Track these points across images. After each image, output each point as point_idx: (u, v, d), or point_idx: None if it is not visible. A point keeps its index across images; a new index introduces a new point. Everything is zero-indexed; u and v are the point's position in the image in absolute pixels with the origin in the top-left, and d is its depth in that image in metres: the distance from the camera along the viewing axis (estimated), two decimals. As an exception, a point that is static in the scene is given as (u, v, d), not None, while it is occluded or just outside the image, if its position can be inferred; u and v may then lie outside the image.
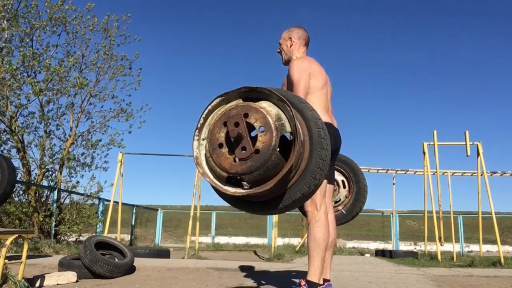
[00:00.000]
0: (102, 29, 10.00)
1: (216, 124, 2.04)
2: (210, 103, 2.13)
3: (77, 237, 9.21)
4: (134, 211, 13.16)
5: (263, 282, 3.61)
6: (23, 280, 3.00)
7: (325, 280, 2.63)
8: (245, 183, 2.02)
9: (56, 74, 8.95)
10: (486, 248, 14.34)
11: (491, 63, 54.23)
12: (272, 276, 4.16)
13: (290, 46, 2.92)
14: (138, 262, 4.51)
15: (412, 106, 53.00)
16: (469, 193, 40.74)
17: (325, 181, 2.54)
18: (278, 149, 1.92)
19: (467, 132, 7.83)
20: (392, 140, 52.48)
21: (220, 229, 18.12)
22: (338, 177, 3.53)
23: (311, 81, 2.67)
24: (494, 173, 10.80)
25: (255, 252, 10.55)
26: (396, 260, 8.35)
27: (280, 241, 13.02)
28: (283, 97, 1.98)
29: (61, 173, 9.44)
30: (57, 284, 3.42)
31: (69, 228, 9.00)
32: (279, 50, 3.00)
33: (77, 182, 9.73)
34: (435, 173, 8.35)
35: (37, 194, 8.89)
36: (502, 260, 7.01)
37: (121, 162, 8.69)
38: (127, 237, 12.76)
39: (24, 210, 8.36)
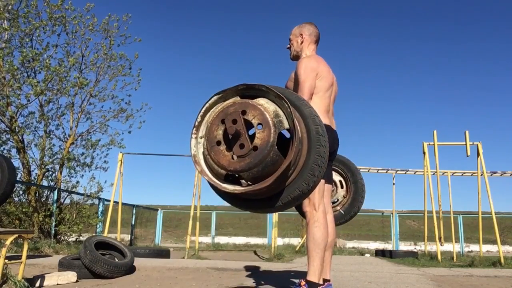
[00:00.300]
0: (102, 29, 10.00)
1: (214, 121, 2.03)
2: (208, 101, 2.12)
3: (77, 237, 9.21)
4: (134, 211, 13.16)
5: (263, 282, 3.61)
6: (23, 280, 3.00)
7: (325, 280, 2.62)
8: (243, 180, 2.01)
9: (56, 74, 8.96)
10: (486, 248, 14.32)
11: (491, 63, 54.31)
12: (272, 276, 4.16)
13: (301, 43, 2.86)
14: (138, 262, 4.51)
15: (412, 106, 53.08)
16: (469, 193, 40.81)
17: (323, 180, 2.52)
18: (276, 146, 1.91)
19: (467, 132, 7.83)
20: (392, 140, 52.55)
21: (220, 229, 18.10)
22: (336, 177, 3.49)
23: (317, 81, 2.63)
24: (494, 173, 10.80)
25: (255, 252, 10.54)
26: (396, 260, 8.34)
27: (280, 241, 13.01)
28: (281, 94, 1.97)
29: (61, 173, 9.44)
30: (57, 284, 3.42)
31: (69, 228, 9.01)
32: (289, 45, 2.93)
33: (77, 182, 9.75)
34: (435, 173, 8.35)
35: (37, 194, 8.88)
36: (502, 260, 7.01)
37: (121, 162, 8.70)
38: (127, 237, 12.75)
39: (24, 210, 8.35)
